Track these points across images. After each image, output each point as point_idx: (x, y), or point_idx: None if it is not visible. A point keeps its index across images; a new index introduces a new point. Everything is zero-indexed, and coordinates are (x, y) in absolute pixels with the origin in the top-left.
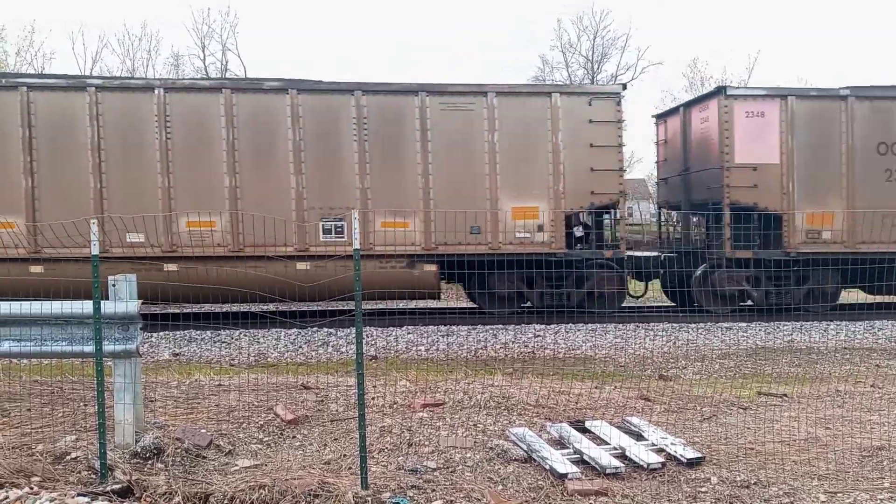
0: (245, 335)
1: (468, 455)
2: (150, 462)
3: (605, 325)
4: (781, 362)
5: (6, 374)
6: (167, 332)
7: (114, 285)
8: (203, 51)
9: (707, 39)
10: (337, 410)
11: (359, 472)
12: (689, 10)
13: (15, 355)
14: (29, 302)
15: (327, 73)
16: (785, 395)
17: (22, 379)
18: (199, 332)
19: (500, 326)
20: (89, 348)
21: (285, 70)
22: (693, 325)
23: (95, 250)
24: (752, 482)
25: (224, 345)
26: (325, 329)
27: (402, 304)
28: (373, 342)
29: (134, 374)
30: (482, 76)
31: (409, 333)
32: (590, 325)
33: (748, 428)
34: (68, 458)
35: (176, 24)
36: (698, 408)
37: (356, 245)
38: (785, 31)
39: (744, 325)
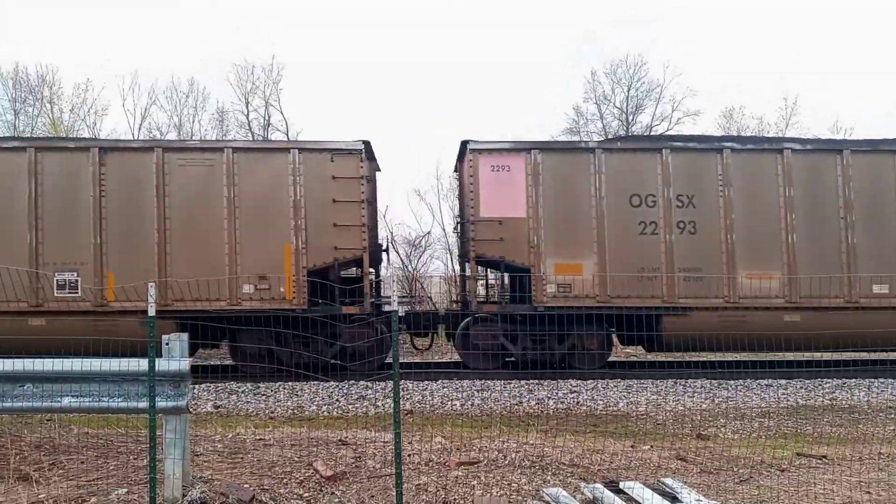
0: (283, 388)
1: None
2: None
3: (642, 382)
4: (822, 421)
5: (60, 425)
6: (208, 385)
7: (167, 344)
8: (247, 106)
9: (744, 85)
10: (374, 467)
11: None
12: (724, 59)
13: (74, 410)
14: (89, 359)
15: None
16: (824, 456)
17: (74, 431)
18: (238, 384)
19: (535, 382)
20: (143, 404)
21: (327, 118)
22: (732, 382)
23: (152, 311)
24: None
25: (263, 397)
26: (362, 382)
27: (436, 357)
28: (408, 396)
29: (184, 430)
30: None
31: (443, 388)
32: (625, 381)
33: (785, 491)
34: None
35: (220, 79)
36: (735, 469)
37: None
38: (821, 76)
39: (784, 381)
